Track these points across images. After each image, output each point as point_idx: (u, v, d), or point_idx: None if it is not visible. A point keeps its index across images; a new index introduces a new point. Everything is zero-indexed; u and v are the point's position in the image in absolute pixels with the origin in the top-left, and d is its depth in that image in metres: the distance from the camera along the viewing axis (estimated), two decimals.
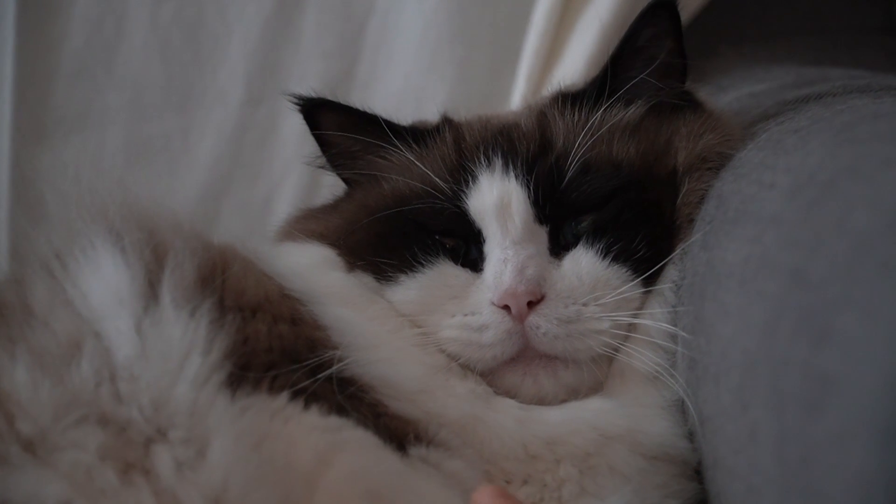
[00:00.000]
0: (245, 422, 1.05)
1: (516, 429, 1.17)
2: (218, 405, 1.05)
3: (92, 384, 1.03)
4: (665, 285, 1.21)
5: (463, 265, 1.23)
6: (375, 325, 1.21)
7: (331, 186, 1.46)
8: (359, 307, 1.23)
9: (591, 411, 1.18)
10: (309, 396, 1.11)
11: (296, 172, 1.83)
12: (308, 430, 1.09)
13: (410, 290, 1.23)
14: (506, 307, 1.16)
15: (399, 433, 1.14)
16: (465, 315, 1.20)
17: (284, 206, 1.78)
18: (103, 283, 1.10)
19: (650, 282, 1.21)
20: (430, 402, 1.17)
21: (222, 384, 1.06)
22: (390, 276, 1.24)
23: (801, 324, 0.86)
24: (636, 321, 1.20)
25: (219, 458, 1.02)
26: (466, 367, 1.20)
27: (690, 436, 1.17)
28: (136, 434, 1.02)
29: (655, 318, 1.20)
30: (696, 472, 1.18)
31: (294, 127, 1.77)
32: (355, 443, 1.11)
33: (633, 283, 1.20)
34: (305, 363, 1.12)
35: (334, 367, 1.13)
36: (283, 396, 1.10)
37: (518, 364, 1.19)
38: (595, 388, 1.21)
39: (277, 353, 1.14)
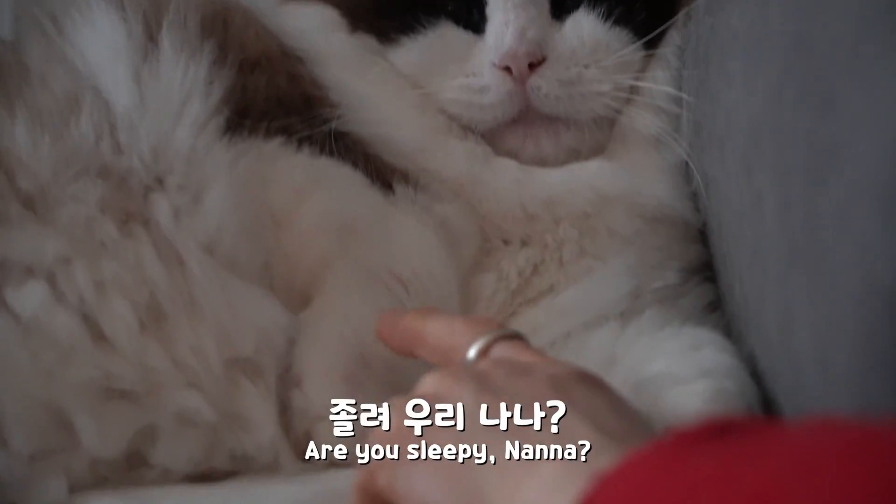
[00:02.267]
0: (240, 168, 1.07)
1: (514, 189, 1.19)
2: (215, 150, 1.07)
3: (92, 138, 1.04)
4: (668, 48, 1.21)
5: (465, 27, 1.21)
6: (376, 87, 1.21)
7: None
8: (360, 69, 1.22)
9: (589, 172, 1.19)
10: (302, 140, 1.13)
11: None
12: (293, 168, 1.12)
13: (412, 51, 1.22)
14: (507, 69, 1.15)
15: (388, 175, 1.18)
16: (467, 77, 1.19)
17: None
18: (99, 39, 1.10)
19: (652, 46, 1.21)
20: (428, 161, 1.19)
21: (220, 129, 1.08)
22: (392, 38, 1.23)
23: (805, 92, 0.86)
24: (638, 84, 1.20)
25: (214, 204, 1.04)
26: (467, 129, 1.21)
27: (694, 197, 1.19)
28: (136, 184, 1.04)
29: (658, 81, 1.20)
30: (701, 234, 1.21)
31: None
32: (338, 178, 1.14)
33: (634, 45, 1.19)
34: (302, 116, 1.14)
35: (332, 123, 1.15)
36: (277, 141, 1.12)
37: (519, 126, 1.19)
38: (596, 152, 1.22)
39: (274, 102, 1.15)
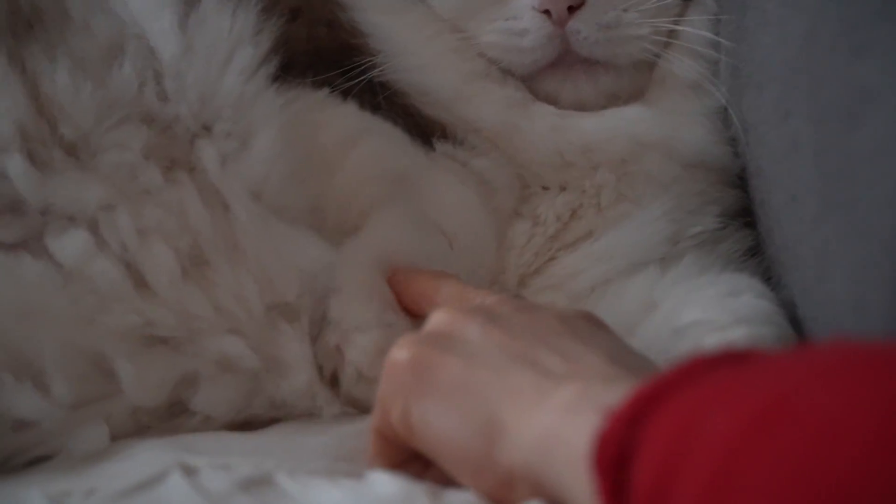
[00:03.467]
0: (289, 114, 1.08)
1: (551, 136, 1.19)
2: (264, 97, 1.07)
3: (135, 85, 1.03)
4: None
5: None
6: (414, 31, 1.21)
7: None
8: (398, 12, 1.22)
9: (627, 119, 1.19)
10: (346, 93, 1.14)
11: None
12: (343, 114, 1.13)
13: None
14: (546, 12, 1.14)
15: (428, 131, 1.18)
16: (507, 20, 1.18)
17: None
18: None
19: None
20: (466, 109, 1.19)
21: (269, 77, 1.08)
22: None
23: (839, 35, 0.86)
24: (677, 28, 1.19)
25: (262, 150, 1.05)
26: (506, 73, 1.20)
27: (733, 142, 1.18)
28: (182, 130, 1.04)
29: (695, 26, 1.19)
30: (740, 179, 1.20)
31: None
32: (383, 130, 1.15)
33: None
34: (343, 67, 1.15)
35: (372, 73, 1.15)
36: (324, 91, 1.13)
37: (558, 69, 1.18)
38: (635, 96, 1.21)
39: (314, 55, 1.16)
